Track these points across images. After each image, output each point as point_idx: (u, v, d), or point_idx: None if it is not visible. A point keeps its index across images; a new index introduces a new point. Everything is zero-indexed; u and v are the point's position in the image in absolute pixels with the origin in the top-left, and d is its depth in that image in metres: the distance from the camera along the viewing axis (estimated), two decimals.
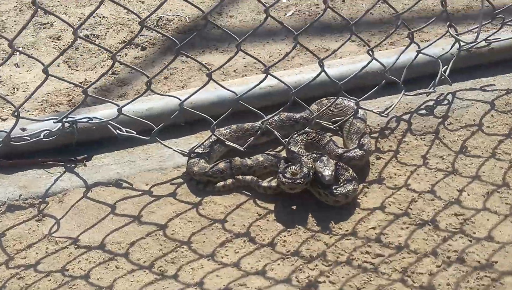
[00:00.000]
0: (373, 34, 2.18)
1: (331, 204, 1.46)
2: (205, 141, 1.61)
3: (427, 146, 1.66)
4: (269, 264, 1.35)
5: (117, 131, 1.56)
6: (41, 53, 2.17)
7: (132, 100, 1.54)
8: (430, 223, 1.42)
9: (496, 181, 1.53)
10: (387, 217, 1.45)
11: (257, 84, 1.54)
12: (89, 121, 1.56)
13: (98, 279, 1.34)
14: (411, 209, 1.46)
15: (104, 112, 1.66)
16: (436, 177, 1.55)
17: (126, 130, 1.57)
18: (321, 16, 1.50)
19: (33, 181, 1.60)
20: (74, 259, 1.39)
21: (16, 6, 2.43)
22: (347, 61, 1.87)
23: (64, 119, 1.57)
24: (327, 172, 1.44)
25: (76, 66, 2.11)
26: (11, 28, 2.29)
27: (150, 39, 2.23)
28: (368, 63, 1.62)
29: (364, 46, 1.96)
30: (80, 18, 2.36)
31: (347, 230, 1.42)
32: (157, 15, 2.33)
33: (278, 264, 1.35)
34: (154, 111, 1.69)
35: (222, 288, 1.30)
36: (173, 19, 2.34)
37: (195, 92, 1.52)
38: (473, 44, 1.83)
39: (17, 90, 1.99)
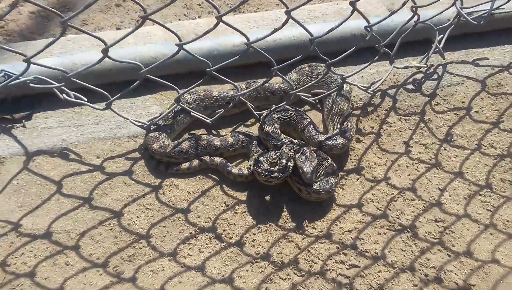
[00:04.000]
0: None
1: (312, 200, 1.39)
2: (167, 111, 1.44)
3: (411, 129, 1.58)
4: (237, 270, 1.29)
5: (64, 95, 1.35)
6: None
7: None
8: (409, 230, 1.39)
9: (479, 180, 1.50)
10: (364, 218, 1.40)
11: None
12: (30, 83, 1.33)
13: (45, 278, 1.24)
14: (390, 209, 1.42)
15: (46, 60, 1.43)
16: (418, 171, 1.50)
17: (74, 94, 1.36)
18: None
19: None
20: (16, 251, 1.27)
21: None
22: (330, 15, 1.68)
23: (5, 70, 1.34)
24: (309, 169, 1.35)
25: None
26: None
27: None
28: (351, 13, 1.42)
29: None
30: None
31: (321, 231, 1.37)
32: None
33: (247, 271, 1.29)
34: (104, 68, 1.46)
35: None
36: None
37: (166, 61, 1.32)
38: (485, 12, 1.68)
39: None
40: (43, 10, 1.69)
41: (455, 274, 1.32)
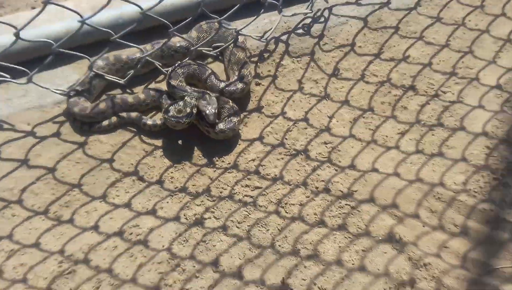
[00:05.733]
0: None
1: (219, 138, 1.67)
2: (83, 78, 1.69)
3: (303, 69, 1.87)
4: (159, 203, 1.58)
5: None
6: None
7: None
8: (302, 153, 1.69)
9: (363, 105, 1.80)
10: (265, 148, 1.69)
11: None
12: None
13: None
14: (286, 139, 1.72)
15: None
16: (310, 104, 1.79)
17: None
18: None
19: None
20: None
21: None
22: None
23: None
24: (211, 111, 1.62)
25: None
26: None
27: None
28: None
29: None
30: None
31: (229, 163, 1.66)
32: None
33: (167, 202, 1.58)
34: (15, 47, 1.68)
35: (116, 230, 1.52)
36: None
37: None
38: None
39: None
40: None
41: (341, 184, 1.63)
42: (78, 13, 1.43)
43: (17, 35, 1.43)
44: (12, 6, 1.92)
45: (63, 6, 1.40)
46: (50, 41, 1.51)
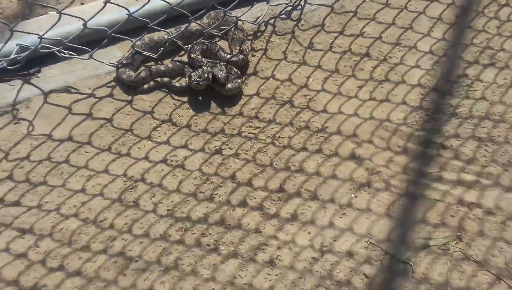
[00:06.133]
0: None
1: (228, 95, 2.30)
2: (127, 54, 2.31)
3: (286, 44, 2.50)
4: (189, 140, 2.20)
5: (61, 54, 2.21)
6: None
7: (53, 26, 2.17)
8: (288, 103, 2.32)
9: (331, 68, 2.44)
10: (261, 101, 2.32)
11: None
12: (40, 49, 2.18)
13: (76, 161, 2.10)
14: (276, 94, 2.35)
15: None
16: (292, 68, 2.43)
17: (68, 52, 2.22)
18: None
19: (2, 93, 2.23)
20: (54, 150, 2.12)
21: None
22: None
23: (20, 43, 2.18)
24: (222, 75, 2.25)
25: None
26: None
27: None
28: None
29: None
30: None
31: (236, 112, 2.29)
32: None
33: (195, 139, 2.20)
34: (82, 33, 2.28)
35: (161, 159, 2.14)
36: None
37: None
38: None
39: None
40: None
41: (317, 123, 2.26)
42: (126, 8, 2.07)
43: (84, 25, 2.06)
44: (67, 1, 2.52)
45: (113, 3, 2.03)
46: (106, 28, 2.15)
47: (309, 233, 1.97)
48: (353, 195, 2.06)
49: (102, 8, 2.02)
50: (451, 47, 2.53)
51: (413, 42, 2.55)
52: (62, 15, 1.95)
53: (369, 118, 2.28)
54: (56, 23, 1.98)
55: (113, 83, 2.31)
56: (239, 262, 1.90)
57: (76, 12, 2.14)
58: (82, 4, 2.52)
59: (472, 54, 2.51)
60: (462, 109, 2.32)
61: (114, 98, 2.28)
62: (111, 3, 2.01)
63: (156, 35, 2.37)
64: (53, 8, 2.06)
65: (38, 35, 2.02)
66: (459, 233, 1.98)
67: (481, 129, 2.26)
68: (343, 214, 2.02)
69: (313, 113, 2.30)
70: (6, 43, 2.09)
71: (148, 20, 2.19)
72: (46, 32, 2.02)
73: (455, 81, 2.41)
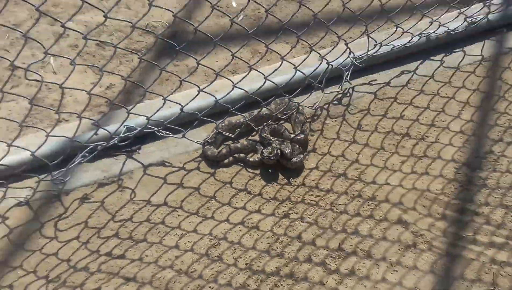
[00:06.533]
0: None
1: (292, 168, 2.76)
2: (211, 134, 2.81)
3: (339, 125, 2.97)
4: (261, 206, 2.63)
5: (160, 133, 2.72)
6: (67, 60, 3.16)
7: (157, 111, 2.69)
8: (343, 175, 2.76)
9: (378, 146, 2.88)
10: (320, 173, 2.77)
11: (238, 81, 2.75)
12: (144, 129, 2.69)
13: (170, 223, 2.55)
14: (332, 167, 2.79)
15: (143, 118, 2.77)
16: (344, 146, 2.88)
17: (165, 133, 2.72)
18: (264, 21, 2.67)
19: (109, 166, 2.72)
20: (152, 213, 2.58)
21: (29, 14, 3.32)
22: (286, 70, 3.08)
23: (127, 125, 2.68)
24: (288, 151, 2.71)
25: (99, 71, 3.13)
26: (35, 36, 3.21)
27: (146, 45, 3.27)
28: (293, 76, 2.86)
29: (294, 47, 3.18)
30: (86, 25, 3.32)
31: (300, 183, 2.73)
32: (145, 21, 3.34)
33: (266, 205, 2.64)
34: (179, 115, 2.77)
35: (240, 221, 2.57)
36: (157, 25, 3.37)
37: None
38: (363, 55, 3.11)
39: (64, 94, 3.01)
40: (126, 88, 3.04)
41: (367, 192, 2.69)
42: (213, 95, 2.58)
43: (182, 109, 2.57)
44: (158, 91, 3.05)
45: (205, 91, 2.53)
46: (196, 112, 2.66)
47: (365, 286, 2.36)
48: (401, 255, 2.46)
49: (196, 96, 2.53)
50: (479, 127, 2.97)
51: (446, 123, 3.00)
52: (166, 101, 2.46)
53: (412, 189, 2.70)
54: (161, 107, 2.49)
55: (200, 159, 2.79)
56: None
57: (175, 99, 2.65)
58: (172, 94, 3.04)
59: (496, 133, 2.95)
60: (491, 181, 2.73)
61: (200, 171, 2.75)
62: (204, 91, 2.52)
63: (234, 118, 2.86)
64: (158, 94, 2.57)
65: (146, 117, 2.53)
66: (493, 288, 2.35)
67: (508, 198, 2.66)
68: (394, 270, 2.41)
69: (364, 184, 2.73)
70: (122, 123, 2.60)
71: (229, 106, 2.69)
72: (153, 114, 2.53)
73: (483, 157, 2.83)
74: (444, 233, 2.53)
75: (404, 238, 2.51)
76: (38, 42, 2.02)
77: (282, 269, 2.40)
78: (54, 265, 2.38)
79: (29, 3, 1.88)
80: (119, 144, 2.68)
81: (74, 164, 2.56)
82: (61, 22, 1.93)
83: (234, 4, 3.48)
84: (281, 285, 2.36)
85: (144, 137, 2.81)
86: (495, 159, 2.83)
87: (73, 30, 2.20)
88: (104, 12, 1.97)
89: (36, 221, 2.50)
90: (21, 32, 1.83)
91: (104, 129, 2.59)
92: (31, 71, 2.10)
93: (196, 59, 2.48)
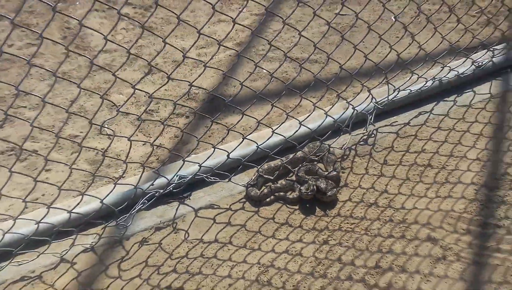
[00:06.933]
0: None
1: (327, 201, 3.06)
2: (253, 177, 3.15)
3: (366, 162, 3.28)
4: (302, 236, 2.91)
5: (209, 179, 3.07)
6: (120, 128, 3.60)
7: (207, 157, 3.06)
8: (374, 204, 3.04)
9: (403, 177, 3.17)
10: (353, 204, 3.05)
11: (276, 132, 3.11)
12: (195, 176, 3.05)
13: (221, 256, 2.83)
14: (364, 198, 3.08)
15: (193, 167, 3.13)
16: (373, 179, 3.17)
17: (213, 178, 3.08)
18: (291, 82, 3.06)
19: (164, 212, 3.06)
20: (205, 249, 2.87)
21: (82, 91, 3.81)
22: (316, 118, 3.44)
23: (179, 174, 3.04)
24: (324, 185, 3.03)
25: (149, 134, 3.55)
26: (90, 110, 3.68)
27: (189, 109, 3.70)
28: (323, 121, 3.23)
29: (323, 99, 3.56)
30: (135, 97, 3.78)
31: (335, 214, 3.01)
32: (186, 89, 3.79)
33: (307, 235, 2.91)
34: (225, 162, 3.15)
35: (284, 250, 2.84)
36: (198, 92, 3.82)
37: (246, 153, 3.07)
38: (384, 100, 3.47)
39: (119, 156, 3.42)
40: (174, 146, 3.43)
41: (398, 217, 2.96)
42: (255, 142, 2.95)
43: (228, 156, 2.93)
44: (206, 146, 3.43)
45: (249, 139, 2.90)
46: (240, 159, 3.02)
47: None
48: (433, 267, 2.69)
49: (241, 143, 2.90)
50: (493, 154, 3.25)
51: (463, 153, 3.28)
52: (216, 149, 2.84)
53: (438, 210, 2.95)
54: (211, 155, 2.86)
55: (244, 199, 3.11)
56: None
57: (219, 151, 3.02)
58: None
59: (510, 157, 3.21)
60: (508, 198, 2.97)
61: (245, 210, 3.06)
62: (247, 139, 2.89)
63: (273, 163, 3.21)
64: (209, 143, 2.95)
65: (198, 163, 2.90)
66: None
67: None
68: (427, 280, 2.63)
69: (394, 210, 3.00)
70: (177, 172, 2.97)
71: (269, 151, 3.05)
72: (205, 161, 2.90)
73: (499, 178, 3.09)
74: (470, 245, 2.76)
75: (434, 252, 2.74)
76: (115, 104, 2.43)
77: (327, 288, 2.65)
78: None
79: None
80: (174, 190, 3.03)
81: (136, 209, 2.91)
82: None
83: (265, 70, 3.91)
84: None
85: (193, 185, 3.16)
86: (510, 179, 3.08)
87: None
88: (167, 77, 2.38)
89: (101, 264, 2.82)
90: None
91: (163, 176, 2.95)
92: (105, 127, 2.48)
93: (241, 110, 2.89)
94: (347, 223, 2.94)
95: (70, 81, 2.47)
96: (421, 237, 2.83)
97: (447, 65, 3.64)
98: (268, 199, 3.08)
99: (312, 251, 2.82)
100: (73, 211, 2.66)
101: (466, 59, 3.71)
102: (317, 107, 3.09)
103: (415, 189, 3.09)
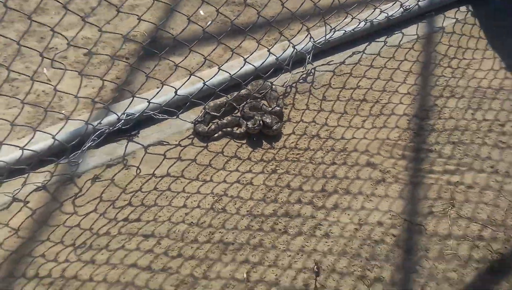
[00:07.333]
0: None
1: (273, 135, 3.18)
2: (200, 114, 3.21)
3: (306, 99, 3.43)
4: (251, 167, 3.02)
5: (157, 116, 3.10)
6: (59, 72, 3.52)
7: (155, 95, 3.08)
8: (316, 136, 3.21)
9: (341, 111, 3.35)
10: (297, 137, 3.20)
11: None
12: (144, 113, 3.07)
13: (175, 189, 2.90)
14: (306, 131, 3.23)
15: (140, 105, 3.15)
16: (314, 114, 3.33)
17: (161, 115, 3.11)
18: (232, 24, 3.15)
19: (113, 150, 3.06)
20: (158, 183, 2.92)
21: (17, 34, 3.67)
22: (257, 58, 3.54)
23: (127, 112, 3.05)
24: (269, 121, 3.14)
25: (91, 77, 3.51)
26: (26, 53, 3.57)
27: (128, 51, 3.68)
28: (266, 58, 3.34)
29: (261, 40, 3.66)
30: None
31: (281, 146, 3.15)
32: (125, 32, 3.75)
33: (256, 166, 3.03)
34: (173, 99, 3.17)
35: (235, 180, 2.95)
36: (137, 34, 3.80)
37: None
38: (322, 39, 3.62)
39: (62, 97, 3.36)
40: (117, 87, 3.42)
41: (339, 146, 3.15)
42: (202, 79, 3.01)
43: (176, 92, 2.97)
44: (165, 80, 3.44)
45: (196, 76, 2.96)
46: (188, 96, 3.07)
47: (348, 214, 2.78)
48: (374, 188, 2.91)
49: (188, 79, 2.95)
50: (422, 88, 3.50)
51: (395, 88, 3.51)
52: (164, 85, 2.87)
53: (375, 139, 3.16)
54: (159, 91, 2.89)
55: (192, 136, 3.18)
56: (304, 238, 2.69)
57: (167, 88, 3.06)
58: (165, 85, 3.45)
59: (437, 91, 3.48)
60: (438, 126, 3.23)
61: (194, 145, 3.13)
62: (194, 75, 2.95)
63: (218, 100, 3.28)
64: (157, 79, 2.97)
65: (147, 99, 2.92)
66: (452, 201, 2.82)
67: (453, 136, 3.16)
68: (370, 200, 2.84)
69: (335, 140, 3.17)
70: (126, 109, 2.98)
71: (215, 88, 3.12)
72: (153, 97, 2.92)
73: (429, 109, 3.35)
74: (406, 168, 2.99)
75: (374, 175, 2.96)
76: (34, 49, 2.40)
77: (278, 211, 2.79)
78: (78, 234, 2.68)
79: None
80: (122, 127, 3.04)
81: (86, 147, 2.90)
82: (50, 27, 2.33)
83: (201, 13, 3.93)
84: (280, 222, 2.74)
85: (141, 123, 3.18)
86: (438, 110, 3.35)
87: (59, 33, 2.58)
88: (99, 27, 2.40)
89: (55, 202, 2.80)
90: (16, 41, 2.20)
91: (113, 112, 2.95)
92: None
93: (175, 63, 2.96)
94: (293, 153, 3.09)
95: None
96: (361, 163, 3.03)
97: (378, 7, 3.83)
98: (216, 135, 3.17)
99: (262, 180, 2.95)
100: (25, 148, 2.62)
101: (395, 2, 3.93)
102: (261, 44, 3.19)
103: (353, 121, 3.29)
